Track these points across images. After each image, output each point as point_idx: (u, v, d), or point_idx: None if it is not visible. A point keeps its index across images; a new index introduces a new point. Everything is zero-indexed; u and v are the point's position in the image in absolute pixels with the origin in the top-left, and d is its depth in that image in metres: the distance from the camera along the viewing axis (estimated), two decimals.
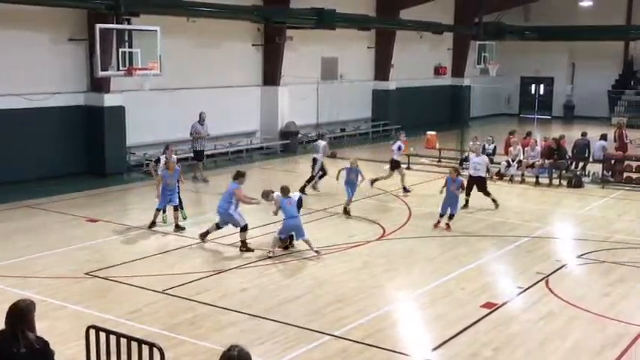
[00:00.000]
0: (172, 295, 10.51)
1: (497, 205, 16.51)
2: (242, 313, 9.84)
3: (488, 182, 17.09)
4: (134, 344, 6.69)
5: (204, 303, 10.19)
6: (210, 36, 23.48)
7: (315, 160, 18.17)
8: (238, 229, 13.00)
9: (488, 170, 17.31)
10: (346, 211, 15.71)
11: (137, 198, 18.21)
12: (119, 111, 20.36)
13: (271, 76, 25.91)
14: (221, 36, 23.97)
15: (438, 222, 14.80)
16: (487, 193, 16.65)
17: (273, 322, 9.54)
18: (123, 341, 6.76)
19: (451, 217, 14.74)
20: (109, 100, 20.15)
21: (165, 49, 17.87)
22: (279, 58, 25.71)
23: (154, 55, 16.93)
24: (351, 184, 15.71)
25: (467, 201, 16.52)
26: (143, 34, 17.21)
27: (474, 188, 16.55)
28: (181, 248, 13.09)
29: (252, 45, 25.61)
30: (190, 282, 11.13)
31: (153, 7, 19.48)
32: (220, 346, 8.65)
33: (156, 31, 17.05)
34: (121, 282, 11.14)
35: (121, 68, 16.66)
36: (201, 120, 20.06)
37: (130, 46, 16.84)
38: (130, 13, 17.88)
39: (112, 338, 6.80)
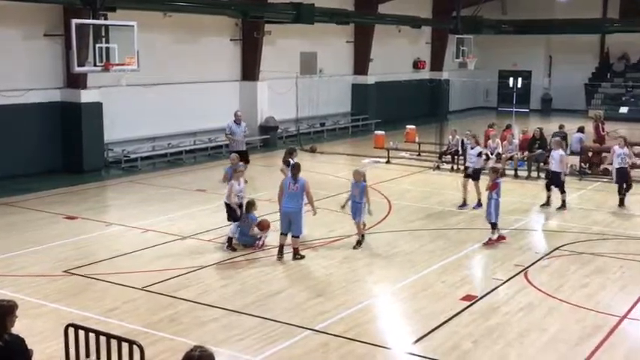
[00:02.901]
0: (152, 292, 10.45)
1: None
2: (222, 308, 9.81)
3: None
4: (114, 342, 6.64)
5: (184, 299, 10.14)
6: (187, 31, 23.35)
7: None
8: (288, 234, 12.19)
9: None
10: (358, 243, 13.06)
11: (116, 194, 18.09)
12: (96, 107, 20.18)
13: (250, 71, 25.84)
14: (199, 31, 23.84)
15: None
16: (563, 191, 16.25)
17: (253, 317, 9.52)
18: (102, 339, 6.72)
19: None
20: (86, 96, 19.96)
21: (143, 44, 17.69)
22: (257, 52, 25.64)
23: (131, 50, 16.75)
24: (354, 204, 12.93)
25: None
26: (120, 29, 17.02)
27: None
28: (161, 245, 13.00)
29: (231, 40, 25.50)
30: (170, 278, 11.07)
31: (129, 2, 19.30)
32: (200, 342, 8.63)
33: (133, 26, 16.88)
34: (100, 279, 11.05)
35: (97, 64, 16.46)
36: (237, 119, 18.93)
37: (107, 42, 16.64)
38: (106, 8, 17.66)
39: (92, 336, 6.76)
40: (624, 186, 16.43)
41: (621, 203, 16.39)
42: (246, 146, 19.83)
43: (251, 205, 12.93)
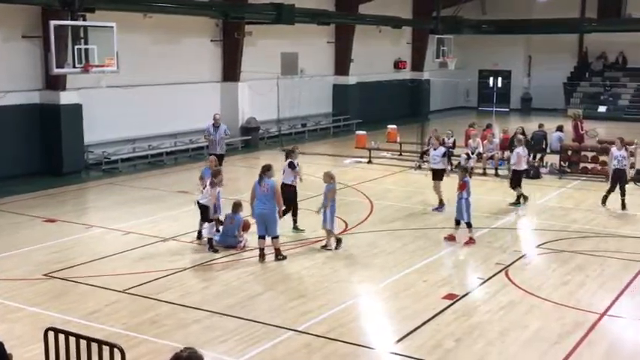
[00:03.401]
0: (133, 295, 10.39)
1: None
2: (204, 310, 9.77)
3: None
4: (94, 345, 6.58)
5: (166, 301, 10.09)
6: (167, 32, 23.23)
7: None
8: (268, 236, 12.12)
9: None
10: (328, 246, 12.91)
11: (96, 196, 17.96)
12: (76, 109, 20.01)
13: (231, 71, 25.77)
14: (179, 32, 23.73)
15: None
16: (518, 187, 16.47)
17: (235, 318, 9.49)
18: (83, 343, 6.65)
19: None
20: (65, 97, 19.79)
21: (123, 45, 17.60)
22: (238, 53, 25.57)
23: (110, 51, 16.65)
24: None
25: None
26: (99, 30, 16.91)
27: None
28: (142, 247, 12.92)
29: (211, 41, 25.42)
30: (151, 281, 11.01)
31: (108, 2, 19.15)
32: (183, 344, 8.59)
33: (112, 27, 16.78)
34: (80, 282, 10.97)
35: (76, 65, 16.35)
36: (215, 122, 18.82)
37: (86, 43, 16.52)
38: (84, 9, 17.55)
39: (72, 340, 6.69)
40: (623, 188, 15.92)
41: (623, 206, 15.96)
42: (226, 147, 19.80)
43: (238, 205, 12.93)
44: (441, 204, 15.71)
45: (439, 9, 31.68)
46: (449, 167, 16.81)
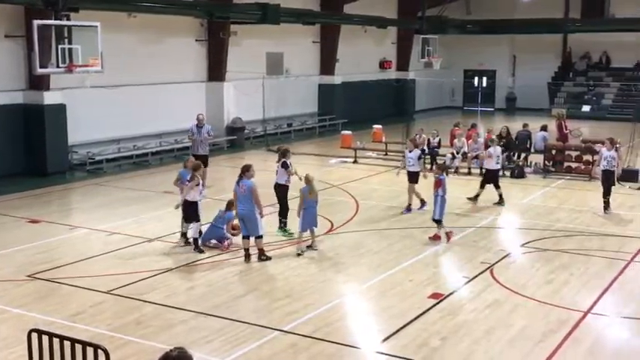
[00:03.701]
0: (118, 296, 10.34)
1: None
2: (189, 311, 9.74)
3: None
4: (78, 346, 6.55)
5: (151, 302, 10.05)
6: (152, 31, 23.13)
7: None
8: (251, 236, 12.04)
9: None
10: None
11: (80, 197, 17.85)
12: (60, 109, 19.89)
13: (216, 71, 25.70)
14: (164, 31, 23.63)
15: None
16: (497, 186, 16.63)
17: (221, 319, 9.48)
18: (67, 344, 6.61)
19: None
20: (49, 97, 19.67)
21: (107, 45, 17.50)
22: (223, 53, 25.52)
23: (94, 51, 16.55)
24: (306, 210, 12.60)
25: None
26: (83, 30, 16.80)
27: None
28: (127, 247, 12.86)
29: (196, 40, 25.34)
30: (136, 281, 10.96)
31: (92, 2, 19.05)
32: (167, 345, 8.56)
33: (96, 26, 16.68)
34: (65, 283, 10.90)
35: (60, 65, 16.23)
36: (199, 122, 18.28)
37: (70, 43, 16.41)
38: (68, 8, 17.43)
39: (56, 341, 6.65)
40: (609, 189, 15.76)
41: (606, 207, 15.76)
42: (212, 147, 19.64)
43: (231, 204, 12.89)
44: (422, 202, 15.70)
45: (424, 9, 31.78)
46: (428, 168, 16.62)
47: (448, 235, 13.38)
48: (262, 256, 12.06)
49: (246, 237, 12.08)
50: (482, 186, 16.68)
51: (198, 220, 12.63)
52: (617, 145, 17.62)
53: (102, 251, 12.60)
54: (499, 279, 11.23)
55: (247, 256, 12.02)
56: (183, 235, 13.04)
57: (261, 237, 12.06)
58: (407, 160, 16.11)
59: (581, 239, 13.75)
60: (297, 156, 23.40)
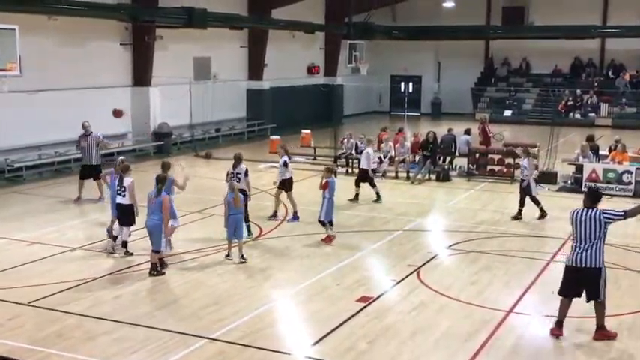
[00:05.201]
0: (39, 307, 10.00)
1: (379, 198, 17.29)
2: (114, 321, 9.51)
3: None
4: None
5: (74, 313, 9.76)
6: (74, 35, 22.52)
7: None
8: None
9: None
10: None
11: None
12: None
13: (141, 76, 25.24)
14: (86, 35, 23.05)
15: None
16: (372, 185, 17.34)
17: (147, 328, 9.28)
18: None
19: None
20: None
21: (26, 48, 17.00)
22: (149, 57, 25.09)
23: (13, 55, 16.02)
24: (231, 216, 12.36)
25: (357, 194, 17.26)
26: (1, 32, 16.24)
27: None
28: (49, 257, 12.45)
29: (121, 44, 24.83)
30: (59, 292, 10.63)
31: (8, 4, 18.41)
32: (90, 356, 8.36)
33: (14, 29, 16.15)
34: None
35: None
36: (86, 130, 17.31)
37: None
38: None
39: None
40: (522, 200, 15.65)
41: (519, 215, 15.69)
42: (139, 152, 19.22)
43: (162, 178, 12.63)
44: (295, 215, 15.37)
45: (351, 15, 32.09)
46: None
47: (329, 238, 13.62)
48: (153, 271, 11.49)
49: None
50: (357, 185, 17.41)
51: (133, 224, 12.52)
52: (538, 148, 18.16)
53: (21, 261, 12.15)
54: (425, 281, 11.42)
55: (154, 268, 11.55)
56: (115, 238, 12.79)
57: (158, 252, 11.59)
58: (279, 168, 15.70)
59: (503, 240, 14.13)
60: (226, 161, 23.21)
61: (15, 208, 16.54)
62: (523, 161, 16.09)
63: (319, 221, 13.78)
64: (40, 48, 20.66)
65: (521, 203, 15.74)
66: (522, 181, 15.85)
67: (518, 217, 15.68)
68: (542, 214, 15.68)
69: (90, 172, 17.15)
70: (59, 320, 9.52)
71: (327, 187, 13.62)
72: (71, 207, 16.65)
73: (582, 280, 9.07)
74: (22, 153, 20.92)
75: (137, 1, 24.15)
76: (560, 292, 9.31)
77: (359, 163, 18.64)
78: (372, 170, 17.78)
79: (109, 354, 8.42)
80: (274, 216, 15.47)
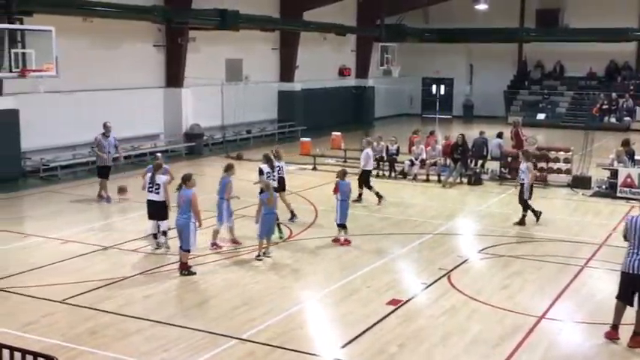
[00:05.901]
0: (73, 305, 10.14)
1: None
2: (146, 320, 9.60)
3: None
4: (29, 357, 6.39)
5: (106, 311, 9.87)
6: (109, 36, 22.82)
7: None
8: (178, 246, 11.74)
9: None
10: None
11: (33, 205, 17.47)
12: (12, 114, 19.46)
13: (174, 77, 25.48)
14: (120, 36, 23.35)
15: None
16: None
17: (178, 327, 9.35)
18: (17, 355, 6.45)
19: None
20: (1, 103, 19.27)
21: (62, 49, 17.23)
22: (181, 59, 25.31)
23: (49, 56, 16.29)
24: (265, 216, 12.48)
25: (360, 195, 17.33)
26: (38, 34, 16.54)
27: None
28: (82, 256, 12.62)
29: (154, 46, 25.09)
30: (91, 290, 10.77)
31: (46, 6, 18.74)
32: (123, 355, 8.45)
33: (50, 31, 16.42)
34: (16, 293, 10.63)
35: (13, 70, 15.95)
36: (107, 131, 17.43)
37: (23, 47, 16.14)
38: (22, 12, 17.14)
39: (5, 352, 6.48)
40: (522, 203, 15.46)
41: (520, 222, 15.41)
42: (171, 153, 19.38)
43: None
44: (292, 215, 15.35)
45: (383, 17, 32.06)
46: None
47: (345, 241, 13.62)
48: (184, 271, 11.53)
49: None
50: (360, 186, 17.41)
51: (167, 218, 12.82)
52: (572, 151, 17.88)
53: (55, 260, 12.34)
54: (456, 285, 11.33)
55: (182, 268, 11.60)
56: (155, 236, 13.03)
57: (188, 251, 11.62)
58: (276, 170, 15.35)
59: (534, 245, 13.97)
60: (257, 162, 23.33)
61: (50, 207, 16.80)
62: (522, 165, 15.85)
63: (337, 224, 13.78)
64: (76, 49, 20.97)
65: (525, 208, 15.54)
66: (521, 185, 15.62)
67: (521, 222, 15.40)
68: (522, 221, 15.32)
69: (107, 172, 17.38)
70: (92, 318, 9.64)
71: (338, 190, 13.67)
72: (104, 206, 16.86)
73: (638, 286, 8.99)
74: (56, 152, 21.25)
75: (170, 3, 24.39)
76: (617, 296, 9.23)
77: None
78: (401, 172, 17.76)
79: (141, 352, 8.49)
80: (293, 217, 15.40)
